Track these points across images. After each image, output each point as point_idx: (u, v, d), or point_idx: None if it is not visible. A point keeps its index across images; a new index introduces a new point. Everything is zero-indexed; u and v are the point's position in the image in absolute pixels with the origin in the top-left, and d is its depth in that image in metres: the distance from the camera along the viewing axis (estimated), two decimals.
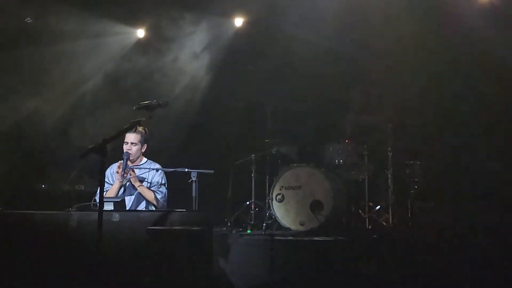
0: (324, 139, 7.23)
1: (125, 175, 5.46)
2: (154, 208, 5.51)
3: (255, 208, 7.13)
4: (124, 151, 5.53)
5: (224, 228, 6.79)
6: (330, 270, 5.34)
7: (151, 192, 5.53)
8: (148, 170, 5.61)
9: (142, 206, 5.55)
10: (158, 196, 5.54)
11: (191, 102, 7.98)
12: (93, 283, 3.43)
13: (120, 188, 5.53)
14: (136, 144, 5.57)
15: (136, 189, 5.51)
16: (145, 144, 5.66)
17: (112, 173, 5.66)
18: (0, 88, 6.99)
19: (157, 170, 5.60)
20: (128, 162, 5.54)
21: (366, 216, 6.69)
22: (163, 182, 5.63)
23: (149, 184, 5.59)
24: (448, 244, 5.43)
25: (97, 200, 5.25)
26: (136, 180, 5.53)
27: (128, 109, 4.26)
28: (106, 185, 5.52)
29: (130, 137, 5.53)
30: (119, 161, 5.67)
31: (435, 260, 5.17)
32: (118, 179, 5.51)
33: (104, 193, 5.33)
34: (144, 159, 5.73)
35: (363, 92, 7.26)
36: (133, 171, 5.54)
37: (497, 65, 6.67)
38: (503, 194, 6.28)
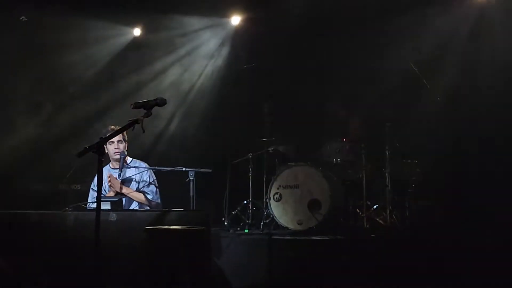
0: (322, 138, 7.20)
1: (109, 179, 5.40)
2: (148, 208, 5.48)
3: (252, 207, 7.09)
4: (113, 152, 5.48)
5: (222, 228, 6.77)
6: (328, 269, 5.32)
7: (140, 194, 5.47)
8: (141, 170, 5.55)
9: (134, 206, 5.50)
10: (149, 197, 5.48)
11: (189, 101, 8.00)
12: (91, 283, 3.40)
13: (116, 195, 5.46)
14: (121, 141, 5.52)
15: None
16: (126, 143, 5.62)
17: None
18: None
19: (155, 170, 5.56)
20: (115, 164, 5.51)
21: (364, 215, 6.67)
22: (151, 180, 5.57)
23: (137, 184, 5.54)
24: (446, 243, 5.42)
25: (90, 202, 5.26)
26: (120, 187, 5.42)
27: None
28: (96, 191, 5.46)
29: (116, 136, 5.36)
30: (108, 166, 5.62)
31: (432, 259, 5.16)
32: (112, 190, 5.45)
33: (93, 198, 5.37)
34: (130, 159, 5.68)
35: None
36: (112, 177, 5.43)
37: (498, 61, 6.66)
38: (502, 193, 6.28)
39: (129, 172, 5.58)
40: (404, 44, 7.03)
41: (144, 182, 5.54)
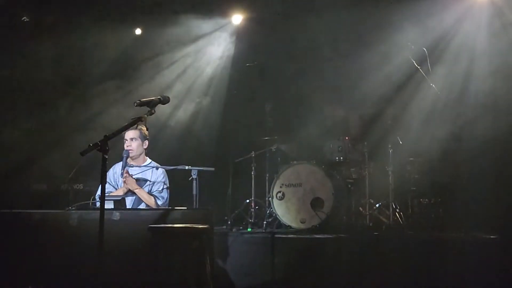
0: (324, 136, 7.19)
1: (125, 175, 5.38)
2: None
3: (255, 206, 7.09)
4: (125, 149, 5.47)
5: (225, 226, 6.77)
6: (331, 268, 5.32)
7: (151, 197, 5.44)
8: (148, 168, 5.53)
9: (142, 206, 5.47)
10: (159, 202, 5.42)
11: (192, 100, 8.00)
12: (94, 282, 3.40)
13: (126, 192, 5.44)
14: (136, 139, 5.49)
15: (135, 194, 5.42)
16: (146, 141, 5.59)
17: (114, 173, 5.58)
18: None
19: (157, 168, 5.54)
20: (130, 161, 5.48)
21: (367, 214, 6.66)
22: (166, 183, 5.52)
23: (151, 184, 5.50)
24: (448, 241, 5.42)
25: (97, 199, 5.24)
26: (133, 184, 5.41)
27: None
28: (107, 185, 5.43)
29: (129, 133, 5.43)
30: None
31: (435, 257, 5.16)
32: (124, 186, 5.43)
33: (106, 193, 5.34)
34: (148, 160, 5.64)
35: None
36: (128, 173, 5.40)
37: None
38: (503, 190, 6.26)
39: (143, 173, 5.55)
40: (405, 39, 7.00)
41: (158, 184, 5.48)
